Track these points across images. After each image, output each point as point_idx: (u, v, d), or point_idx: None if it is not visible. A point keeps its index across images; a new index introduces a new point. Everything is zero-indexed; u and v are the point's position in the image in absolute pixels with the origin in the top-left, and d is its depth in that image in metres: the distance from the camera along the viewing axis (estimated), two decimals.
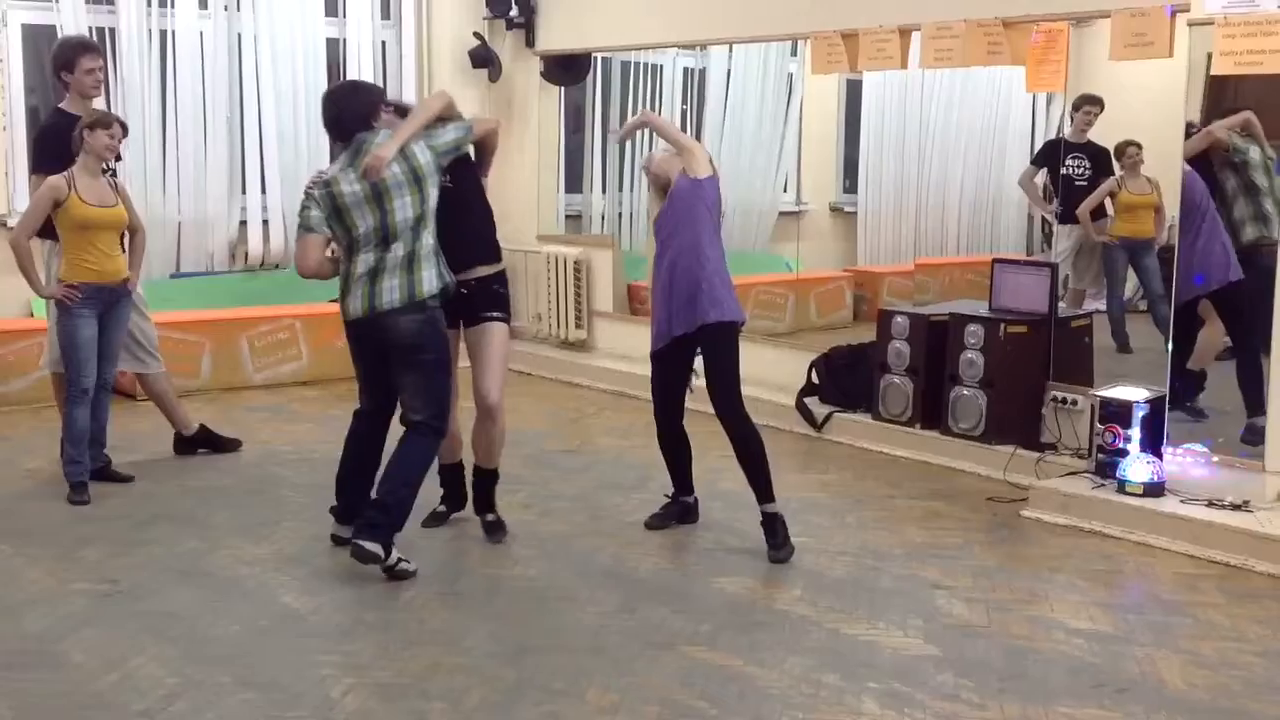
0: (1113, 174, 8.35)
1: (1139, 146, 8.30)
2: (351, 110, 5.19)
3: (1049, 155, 8.73)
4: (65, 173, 6.02)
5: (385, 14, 9.93)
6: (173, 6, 8.85)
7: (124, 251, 6.26)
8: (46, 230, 6.16)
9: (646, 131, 8.20)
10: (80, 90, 6.45)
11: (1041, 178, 8.97)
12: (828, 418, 7.59)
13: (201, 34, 8.99)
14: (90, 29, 8.41)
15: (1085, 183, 8.50)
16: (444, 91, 5.58)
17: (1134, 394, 6.17)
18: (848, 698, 4.11)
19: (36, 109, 8.51)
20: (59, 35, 8.20)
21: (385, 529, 5.05)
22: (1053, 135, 9.34)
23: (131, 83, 8.68)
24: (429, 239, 5.12)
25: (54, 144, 6.26)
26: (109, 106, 8.22)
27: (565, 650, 4.46)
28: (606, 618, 4.75)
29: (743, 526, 5.80)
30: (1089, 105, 8.45)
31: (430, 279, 5.11)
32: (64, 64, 6.50)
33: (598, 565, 5.36)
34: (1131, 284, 8.74)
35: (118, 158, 6.44)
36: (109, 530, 5.70)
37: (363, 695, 4.07)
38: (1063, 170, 8.47)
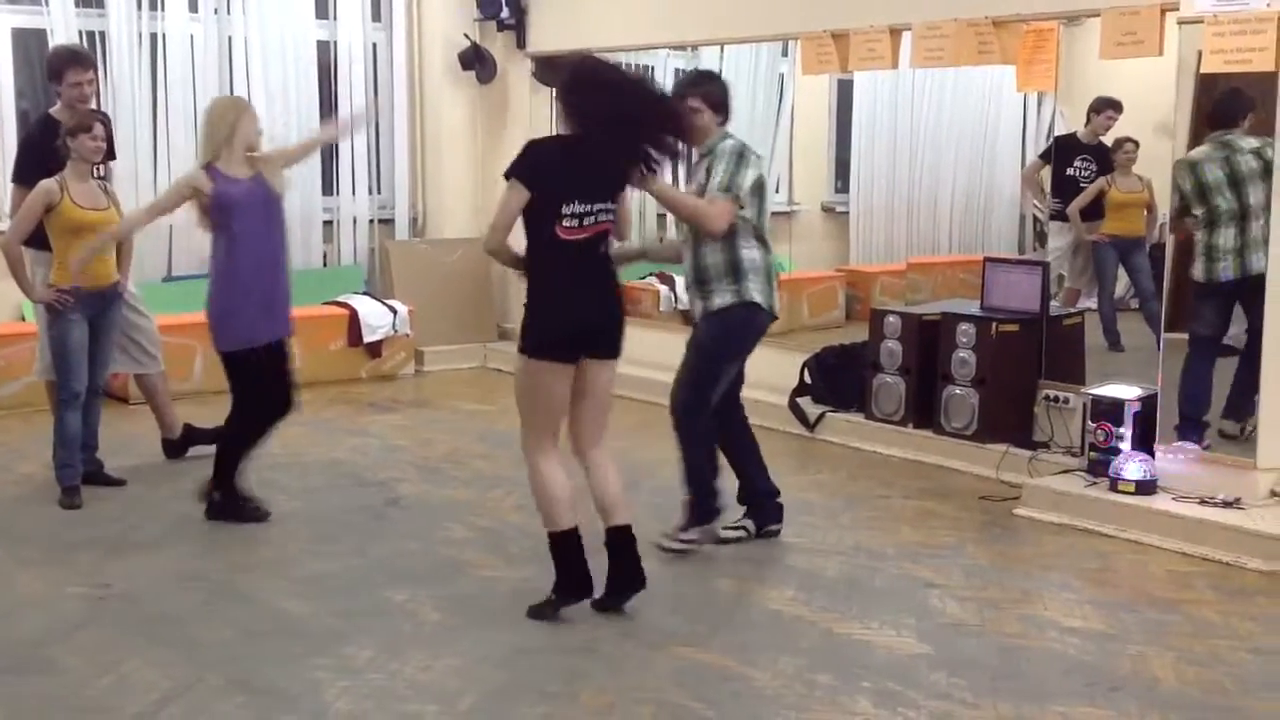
0: None
1: (1135, 144, 8.30)
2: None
3: (1058, 152, 8.70)
4: (57, 177, 6.01)
5: (376, 16, 9.92)
6: (162, 9, 8.82)
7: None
8: (33, 240, 6.14)
9: None
10: (68, 102, 6.50)
11: (1044, 173, 8.97)
12: (820, 418, 7.59)
13: (192, 37, 8.97)
14: (80, 33, 8.40)
15: (1089, 184, 8.51)
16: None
17: (1126, 392, 6.18)
18: (841, 697, 4.11)
19: (26, 113, 8.48)
20: (49, 39, 8.21)
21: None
22: (1044, 134, 9.35)
23: (122, 86, 8.66)
24: None
25: (39, 150, 6.28)
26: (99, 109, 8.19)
27: (559, 651, 4.46)
28: (600, 619, 4.75)
29: None
30: (1110, 110, 8.42)
31: None
32: (53, 75, 6.56)
33: (590, 566, 5.35)
34: (1123, 282, 8.77)
35: (111, 156, 6.44)
36: (102, 534, 5.69)
37: (356, 698, 4.07)
38: (1069, 170, 8.46)
